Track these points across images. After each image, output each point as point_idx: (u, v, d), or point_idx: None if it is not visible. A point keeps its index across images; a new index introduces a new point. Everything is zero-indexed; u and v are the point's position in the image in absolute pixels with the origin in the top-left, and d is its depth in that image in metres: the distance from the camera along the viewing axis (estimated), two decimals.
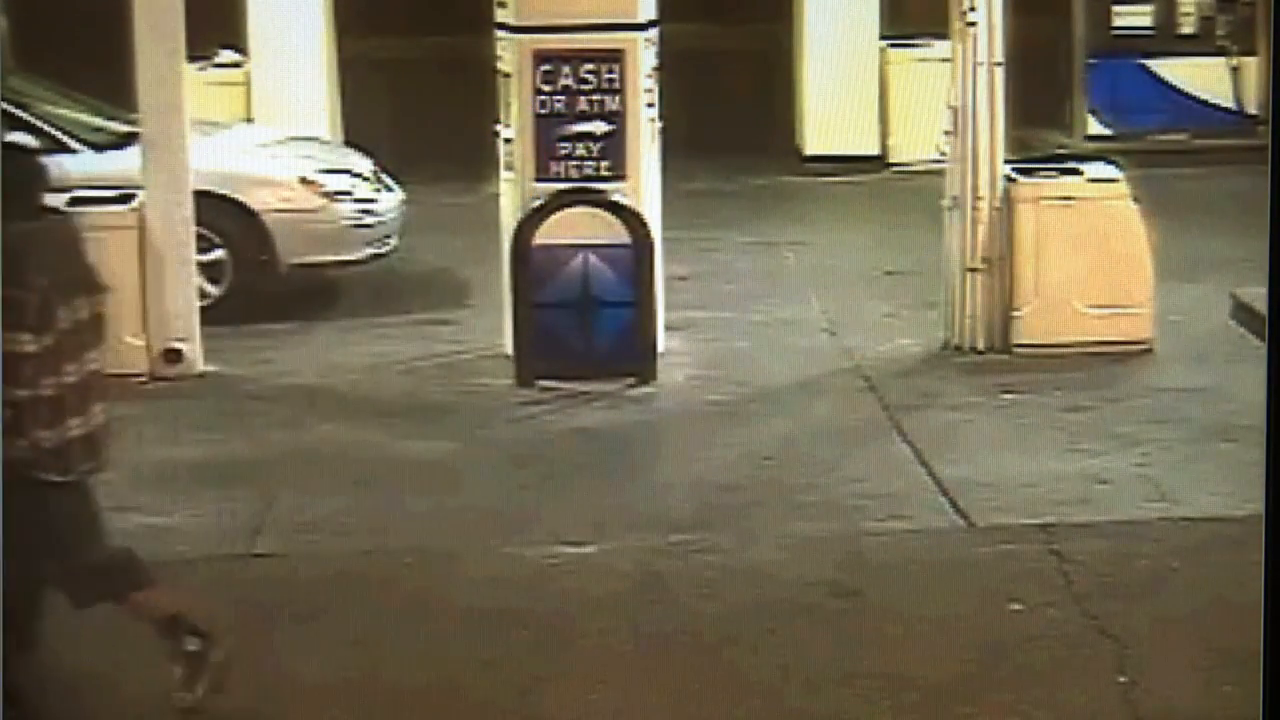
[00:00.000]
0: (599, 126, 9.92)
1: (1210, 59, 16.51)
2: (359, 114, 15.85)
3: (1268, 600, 3.15)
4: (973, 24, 9.95)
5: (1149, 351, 10.11)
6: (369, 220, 12.00)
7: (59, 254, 5.51)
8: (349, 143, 14.26)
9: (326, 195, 11.89)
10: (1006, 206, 10.10)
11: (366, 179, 12.27)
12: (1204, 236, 12.53)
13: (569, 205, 9.84)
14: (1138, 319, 10.14)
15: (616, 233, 9.84)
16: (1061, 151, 14.11)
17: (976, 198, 10.09)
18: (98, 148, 11.73)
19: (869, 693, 6.05)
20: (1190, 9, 16.63)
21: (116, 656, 6.22)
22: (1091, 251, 10.10)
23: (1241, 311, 10.43)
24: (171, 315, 10.09)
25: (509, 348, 10.01)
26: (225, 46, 15.72)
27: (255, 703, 6.11)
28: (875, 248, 13.30)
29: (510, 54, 9.99)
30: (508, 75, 10.06)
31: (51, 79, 13.03)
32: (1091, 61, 16.62)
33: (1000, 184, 10.12)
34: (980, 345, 10.20)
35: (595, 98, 9.91)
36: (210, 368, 10.23)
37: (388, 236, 12.16)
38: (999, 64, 10.02)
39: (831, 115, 16.46)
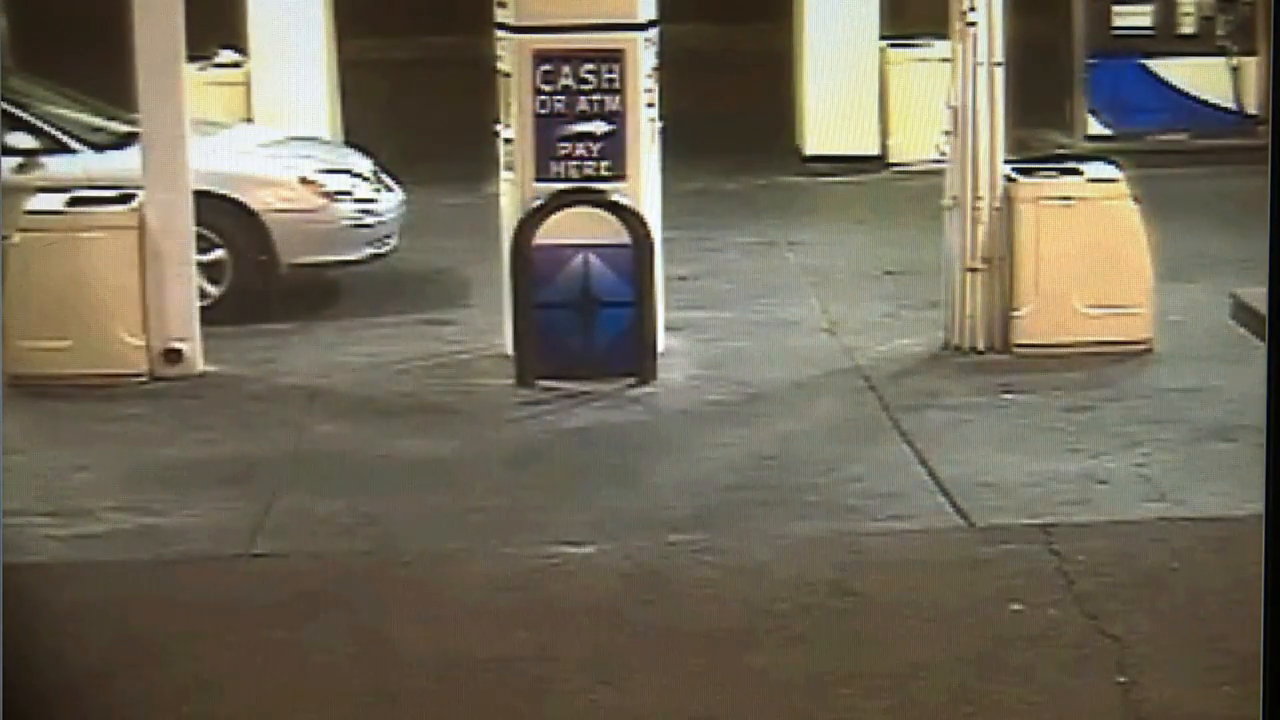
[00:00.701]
0: (599, 126, 9.92)
1: (1210, 59, 16.51)
2: (359, 114, 15.85)
3: (1268, 600, 3.14)
4: (973, 24, 9.95)
5: (1149, 351, 10.11)
6: (369, 220, 11.99)
7: None
8: (349, 143, 14.26)
9: (326, 195, 11.89)
10: (1006, 206, 10.10)
11: (366, 179, 12.27)
12: (1204, 236, 12.53)
13: (569, 205, 9.84)
14: (1137, 319, 10.14)
15: (616, 233, 9.84)
16: (1061, 151, 14.13)
17: (976, 198, 10.09)
18: (98, 148, 11.74)
19: (869, 692, 6.05)
20: (1190, 9, 16.62)
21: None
22: (1091, 251, 10.10)
23: (1241, 311, 10.41)
24: (171, 315, 10.09)
25: (509, 348, 10.01)
26: (225, 46, 15.72)
27: (255, 703, 6.11)
28: (875, 247, 13.30)
29: (510, 54, 9.99)
30: (508, 75, 10.06)
31: (51, 79, 13.03)
32: (1091, 61, 16.61)
33: (1000, 184, 10.12)
34: (980, 345, 10.19)
35: (595, 98, 9.91)
36: (210, 368, 10.23)
37: (388, 236, 12.16)
38: (999, 64, 10.02)
39: (831, 115, 16.45)
